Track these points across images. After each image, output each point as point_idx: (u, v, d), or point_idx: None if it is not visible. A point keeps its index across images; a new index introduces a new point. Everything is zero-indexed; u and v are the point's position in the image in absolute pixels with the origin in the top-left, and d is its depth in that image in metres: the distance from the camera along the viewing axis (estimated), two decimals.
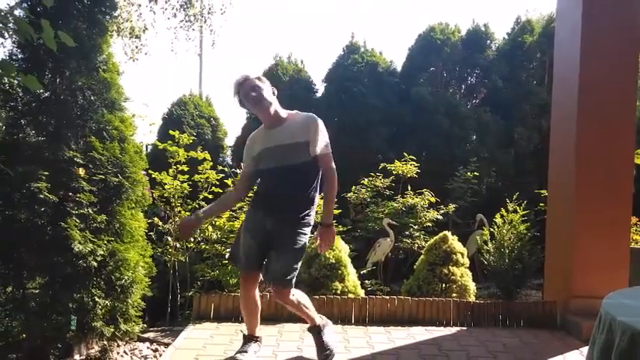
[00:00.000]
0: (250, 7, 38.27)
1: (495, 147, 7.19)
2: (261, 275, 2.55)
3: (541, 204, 4.96)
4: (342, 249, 3.85)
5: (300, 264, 2.50)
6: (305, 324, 3.25)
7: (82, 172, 3.02)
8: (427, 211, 5.31)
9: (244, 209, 4.64)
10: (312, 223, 2.53)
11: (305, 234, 2.47)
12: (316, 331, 2.62)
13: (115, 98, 3.21)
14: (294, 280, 2.45)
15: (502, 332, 3.27)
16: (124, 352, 3.37)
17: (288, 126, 2.45)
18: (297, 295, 2.55)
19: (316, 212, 2.59)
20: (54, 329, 2.85)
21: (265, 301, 3.32)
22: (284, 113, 2.48)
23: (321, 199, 2.62)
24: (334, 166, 2.49)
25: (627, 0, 3.37)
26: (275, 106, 2.44)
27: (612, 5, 3.35)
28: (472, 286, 4.03)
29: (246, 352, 2.56)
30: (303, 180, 2.46)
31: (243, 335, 2.67)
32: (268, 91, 2.43)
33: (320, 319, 2.68)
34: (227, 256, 2.62)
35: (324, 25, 42.64)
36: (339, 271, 3.72)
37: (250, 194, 2.85)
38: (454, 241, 4.11)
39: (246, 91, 2.42)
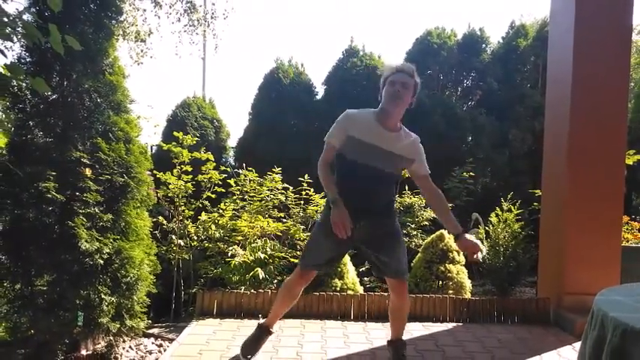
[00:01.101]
0: (252, 11, 38.24)
1: (490, 148, 7.18)
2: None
3: (535, 203, 4.95)
4: None
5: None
6: (307, 320, 3.26)
7: (88, 172, 3.02)
8: (424, 211, 5.31)
9: (246, 208, 4.65)
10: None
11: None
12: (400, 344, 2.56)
13: (120, 100, 3.21)
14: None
15: (497, 328, 3.27)
16: (130, 347, 3.37)
17: (402, 137, 2.40)
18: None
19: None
20: (61, 325, 2.85)
21: (267, 298, 3.32)
22: (400, 122, 2.44)
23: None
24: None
25: (619, 3, 3.37)
26: (402, 108, 2.38)
27: (604, 8, 3.35)
28: (468, 284, 4.03)
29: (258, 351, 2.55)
30: (392, 186, 2.47)
31: (260, 325, 2.61)
32: (408, 91, 2.35)
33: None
34: (303, 263, 2.47)
35: (324, 29, 42.65)
36: (339, 269, 3.72)
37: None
38: (450, 240, 4.11)
39: (399, 80, 2.31)
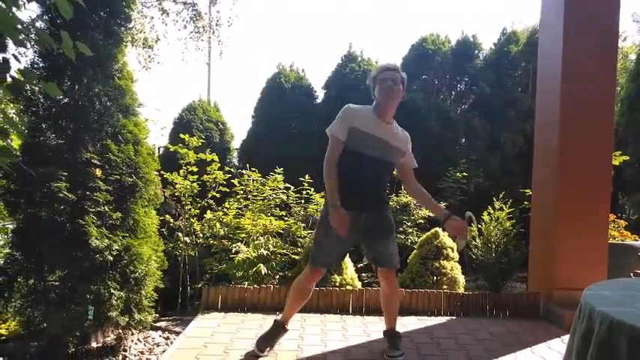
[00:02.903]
0: (255, 19, 38.22)
1: (483, 149, 7.18)
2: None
3: (525, 202, 4.96)
4: None
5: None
6: (307, 314, 3.26)
7: (98, 172, 3.02)
8: (419, 209, 5.31)
9: (250, 207, 4.65)
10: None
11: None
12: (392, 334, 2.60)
13: (129, 104, 3.21)
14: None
15: (489, 321, 3.27)
16: (138, 339, 3.37)
17: (395, 130, 2.48)
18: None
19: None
20: (72, 319, 2.85)
21: (269, 293, 3.32)
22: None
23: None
24: None
25: (606, 11, 3.37)
26: (397, 103, 2.45)
27: (592, 15, 3.35)
28: (461, 279, 4.03)
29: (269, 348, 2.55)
30: (387, 178, 2.53)
31: (276, 321, 2.61)
32: (400, 87, 2.43)
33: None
34: (313, 260, 2.45)
35: (324, 36, 42.62)
36: (338, 265, 3.72)
37: None
38: (445, 237, 4.12)
39: (392, 78, 2.40)
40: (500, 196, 4.95)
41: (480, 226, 4.96)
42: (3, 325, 3.31)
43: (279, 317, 2.64)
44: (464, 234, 2.37)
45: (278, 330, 2.58)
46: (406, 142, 2.54)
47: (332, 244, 2.39)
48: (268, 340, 2.54)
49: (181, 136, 4.66)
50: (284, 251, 4.12)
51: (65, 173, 2.84)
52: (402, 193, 5.35)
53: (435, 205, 2.57)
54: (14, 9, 1.48)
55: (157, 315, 3.55)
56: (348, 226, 2.26)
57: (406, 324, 3.14)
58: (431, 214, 5.32)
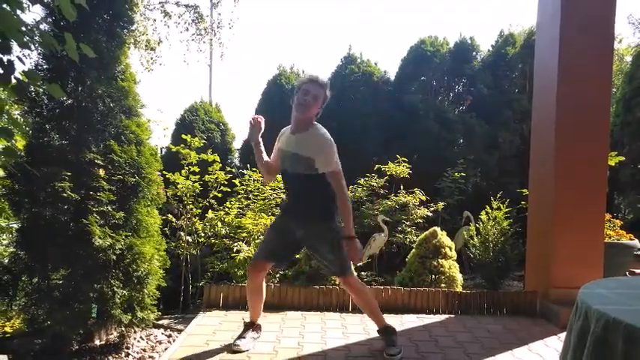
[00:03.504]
0: (256, 21, 38.22)
1: (481, 150, 7.18)
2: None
3: (522, 202, 4.96)
4: None
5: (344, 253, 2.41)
6: (308, 312, 3.26)
7: (102, 172, 3.02)
8: (418, 209, 5.31)
9: (251, 206, 4.65)
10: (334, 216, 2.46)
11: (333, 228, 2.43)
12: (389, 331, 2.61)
13: (132, 105, 3.21)
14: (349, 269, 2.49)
15: (487, 319, 3.27)
16: (141, 337, 3.37)
17: (306, 137, 2.36)
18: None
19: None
20: (76, 317, 2.85)
21: (270, 291, 3.32)
22: (310, 124, 2.40)
23: None
24: (343, 184, 2.36)
25: (603, 13, 3.36)
26: (308, 115, 2.36)
27: (588, 18, 3.35)
28: (459, 277, 4.03)
29: (244, 337, 2.57)
30: (315, 188, 2.39)
31: (245, 322, 2.69)
32: (317, 101, 2.35)
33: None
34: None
35: (324, 38, 42.62)
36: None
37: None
38: (443, 236, 4.11)
39: (304, 89, 2.37)
40: (498, 195, 4.95)
41: (477, 225, 4.95)
42: (7, 323, 3.31)
43: (247, 320, 2.71)
44: (354, 257, 2.40)
45: (247, 326, 2.65)
46: (314, 146, 2.33)
47: (268, 238, 2.57)
48: (242, 334, 2.60)
49: (183, 136, 4.66)
50: None
51: (69, 173, 2.84)
52: (401, 193, 5.35)
53: (344, 223, 2.38)
54: (18, 11, 1.48)
55: (160, 313, 3.55)
56: (283, 228, 2.48)
57: (405, 322, 3.14)
58: (429, 214, 5.33)
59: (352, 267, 2.52)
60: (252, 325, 2.65)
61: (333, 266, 2.47)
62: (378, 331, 2.63)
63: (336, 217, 2.43)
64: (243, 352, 2.48)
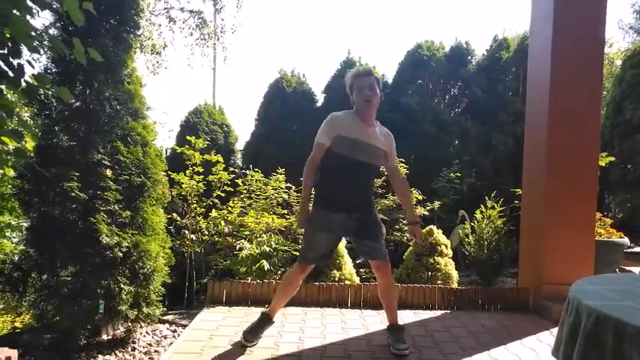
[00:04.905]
0: (258, 26, 38.21)
1: (475, 151, 7.18)
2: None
3: (516, 201, 4.96)
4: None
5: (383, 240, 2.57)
6: (308, 308, 3.26)
7: (109, 173, 3.02)
8: (415, 208, 5.31)
9: (253, 206, 4.65)
10: None
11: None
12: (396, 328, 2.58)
13: (138, 107, 3.21)
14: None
15: (481, 315, 3.27)
16: (147, 332, 3.37)
17: (377, 132, 2.45)
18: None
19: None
20: (84, 312, 2.85)
21: (272, 287, 3.32)
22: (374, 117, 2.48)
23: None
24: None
25: (594, 17, 3.36)
26: (375, 108, 2.43)
27: (580, 23, 3.35)
28: (455, 274, 4.03)
29: (260, 336, 2.54)
30: (373, 179, 2.58)
31: (263, 313, 2.60)
32: (375, 92, 2.40)
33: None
34: (306, 256, 2.49)
35: (324, 42, 42.62)
36: (337, 261, 3.72)
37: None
38: (439, 235, 4.12)
39: (366, 85, 2.37)
40: (492, 195, 4.95)
41: (472, 224, 4.95)
42: (18, 319, 3.32)
43: (266, 309, 2.64)
44: (416, 240, 2.67)
45: (264, 322, 2.58)
46: (388, 141, 2.52)
47: (320, 241, 2.43)
48: (255, 331, 2.54)
49: (188, 138, 4.66)
50: (285, 248, 4.12)
51: (77, 173, 2.84)
52: None
53: (411, 208, 2.64)
54: (28, 17, 1.48)
55: (165, 309, 3.55)
56: (334, 226, 2.39)
57: (402, 317, 3.13)
58: (426, 213, 5.33)
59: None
60: (268, 322, 2.59)
61: (380, 252, 2.48)
62: (388, 327, 2.59)
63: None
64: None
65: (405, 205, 2.65)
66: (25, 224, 3.31)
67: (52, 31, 3.01)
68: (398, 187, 2.63)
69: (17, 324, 3.27)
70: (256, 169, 4.88)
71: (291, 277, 2.54)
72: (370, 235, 2.47)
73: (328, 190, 2.42)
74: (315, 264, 2.53)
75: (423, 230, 4.20)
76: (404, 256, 4.20)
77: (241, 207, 4.63)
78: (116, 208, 2.96)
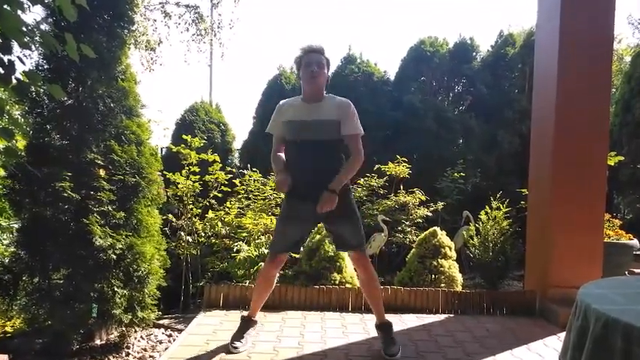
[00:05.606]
0: (256, 21, 38.22)
1: (480, 150, 7.18)
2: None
3: (522, 202, 4.95)
4: None
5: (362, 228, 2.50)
6: (308, 312, 3.26)
7: (102, 172, 3.02)
8: (418, 209, 5.31)
9: (251, 206, 4.65)
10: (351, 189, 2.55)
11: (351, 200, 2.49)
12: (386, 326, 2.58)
13: (132, 105, 3.21)
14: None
15: (486, 319, 3.27)
16: (141, 337, 3.37)
17: (325, 104, 2.45)
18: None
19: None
20: (77, 316, 2.85)
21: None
22: (323, 93, 2.48)
23: None
24: (361, 148, 2.47)
25: (601, 14, 3.36)
26: (320, 84, 2.43)
27: (588, 18, 3.35)
28: (459, 277, 4.03)
29: (242, 338, 2.53)
30: (335, 155, 2.47)
31: (243, 317, 2.63)
32: (322, 68, 2.41)
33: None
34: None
35: (324, 38, 42.65)
36: (338, 264, 3.72)
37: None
38: (443, 236, 4.11)
39: (314, 60, 2.39)
40: (497, 195, 4.94)
41: (477, 225, 4.95)
42: (8, 323, 3.31)
43: (245, 314, 2.67)
44: (322, 206, 2.31)
45: (247, 323, 2.60)
46: (343, 111, 2.44)
47: (286, 231, 2.48)
48: (240, 333, 2.55)
49: (184, 136, 4.66)
50: None
51: (69, 173, 2.84)
52: (401, 193, 5.35)
53: (339, 178, 2.37)
54: (19, 12, 1.48)
55: (160, 313, 3.55)
56: (289, 187, 2.35)
57: (405, 321, 3.14)
58: (429, 214, 5.34)
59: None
60: (250, 323, 2.62)
61: (353, 239, 2.44)
62: (376, 325, 2.60)
63: (351, 188, 2.51)
64: (242, 352, 2.48)
65: (339, 173, 2.40)
66: (15, 225, 3.31)
67: (43, 26, 3.01)
68: (350, 158, 2.48)
69: (8, 328, 3.27)
70: (254, 169, 4.89)
71: (264, 272, 2.58)
72: (335, 220, 2.42)
73: (291, 177, 2.40)
74: (286, 253, 2.55)
75: (426, 231, 4.20)
76: (407, 259, 4.20)
77: (239, 208, 4.63)
78: (110, 208, 2.96)
